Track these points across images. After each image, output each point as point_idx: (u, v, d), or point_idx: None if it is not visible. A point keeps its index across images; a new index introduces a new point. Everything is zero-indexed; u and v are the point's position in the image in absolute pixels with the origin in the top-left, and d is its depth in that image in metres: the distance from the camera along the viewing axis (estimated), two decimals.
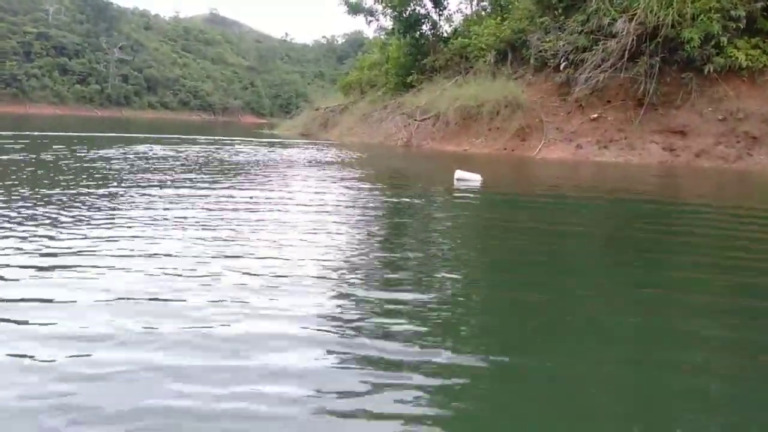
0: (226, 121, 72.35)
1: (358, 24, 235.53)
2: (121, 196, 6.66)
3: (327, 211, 6.45)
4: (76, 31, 75.64)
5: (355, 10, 28.39)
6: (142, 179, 8.19)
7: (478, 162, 14.30)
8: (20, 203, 5.79)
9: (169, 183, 7.96)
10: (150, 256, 3.98)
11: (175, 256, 4.04)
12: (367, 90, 29.56)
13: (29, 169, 8.93)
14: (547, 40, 18.69)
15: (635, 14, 16.34)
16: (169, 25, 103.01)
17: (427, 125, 20.71)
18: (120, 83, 76.52)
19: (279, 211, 6.21)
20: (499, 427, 2.13)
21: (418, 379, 2.35)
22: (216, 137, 23.50)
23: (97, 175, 8.43)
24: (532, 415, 2.20)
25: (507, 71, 20.24)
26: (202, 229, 4.98)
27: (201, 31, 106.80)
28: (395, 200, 8.13)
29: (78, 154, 11.88)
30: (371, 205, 7.64)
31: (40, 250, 4.02)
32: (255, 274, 3.64)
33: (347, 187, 9.02)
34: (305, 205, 6.73)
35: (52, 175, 8.34)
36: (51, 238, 4.38)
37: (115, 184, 7.64)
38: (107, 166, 9.75)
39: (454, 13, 26.98)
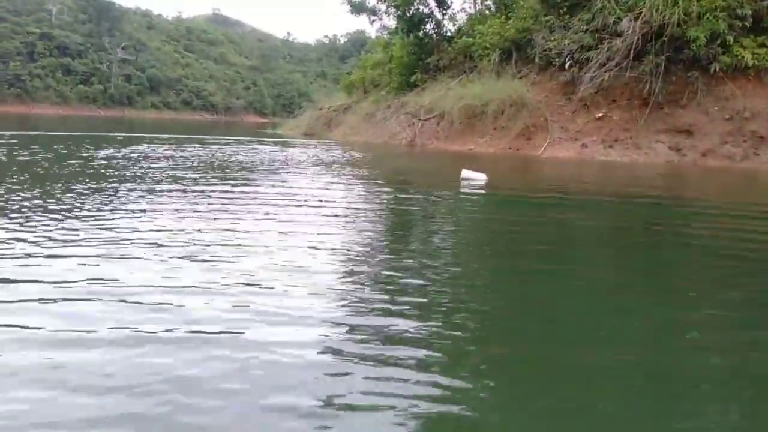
0: (228, 121, 72.37)
1: (361, 23, 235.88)
2: (125, 194, 6.67)
3: (335, 210, 6.44)
4: (79, 31, 75.73)
5: (358, 9, 28.34)
6: (146, 178, 8.19)
7: (483, 161, 14.25)
8: (69, 198, 5.82)
9: (169, 182, 7.96)
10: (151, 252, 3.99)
11: (184, 249, 4.06)
12: (371, 89, 29.51)
13: (74, 168, 8.95)
14: (552, 39, 18.63)
15: (641, 13, 16.29)
16: (172, 25, 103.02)
17: (431, 125, 20.67)
18: (123, 83, 76.60)
19: (285, 209, 6.21)
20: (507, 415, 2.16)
21: (421, 366, 2.37)
22: (220, 137, 23.51)
23: (122, 174, 8.44)
24: (536, 406, 2.25)
25: (511, 70, 20.18)
26: (209, 225, 5.00)
27: (203, 31, 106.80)
28: (402, 199, 8.11)
29: (89, 153, 11.89)
30: (378, 203, 7.64)
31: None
32: (258, 273, 3.63)
33: (354, 186, 9.02)
34: (312, 204, 6.72)
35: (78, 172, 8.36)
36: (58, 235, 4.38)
37: (128, 183, 7.65)
38: (133, 164, 9.77)
39: (458, 12, 26.97)
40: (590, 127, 17.34)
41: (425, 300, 3.34)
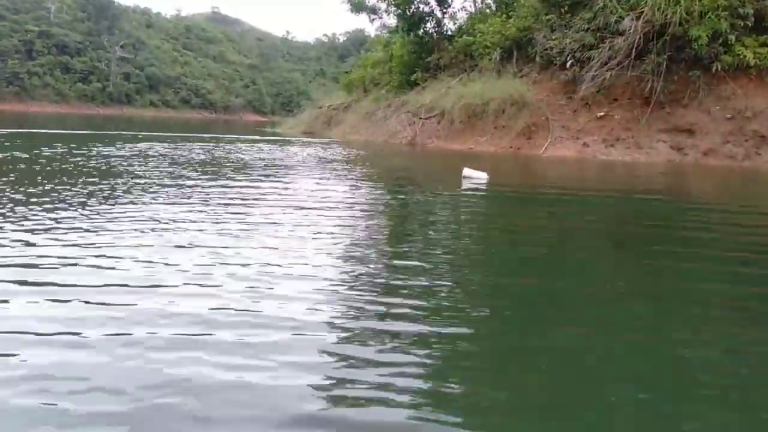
0: (227, 120, 72.24)
1: (360, 22, 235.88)
2: (130, 193, 6.61)
3: (336, 208, 6.41)
4: (78, 29, 75.45)
5: (358, 8, 28.25)
6: (146, 177, 8.13)
7: (484, 160, 14.22)
8: (73, 195, 5.76)
9: (170, 180, 7.90)
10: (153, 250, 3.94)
11: (184, 248, 4.03)
12: (371, 88, 29.44)
13: (87, 167, 8.89)
14: (553, 38, 18.59)
15: (642, 12, 16.25)
16: (171, 24, 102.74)
17: (431, 123, 20.62)
18: (122, 81, 76.34)
19: (288, 207, 6.18)
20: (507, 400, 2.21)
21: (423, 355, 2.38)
22: (220, 135, 23.47)
23: (125, 171, 8.39)
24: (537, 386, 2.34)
25: (512, 69, 20.13)
26: (213, 223, 4.99)
27: (202, 29, 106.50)
28: (404, 197, 8.11)
29: (97, 151, 11.82)
30: (379, 202, 7.62)
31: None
32: (259, 273, 3.59)
33: (355, 185, 8.98)
34: (313, 202, 6.69)
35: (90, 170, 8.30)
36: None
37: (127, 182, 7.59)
38: (132, 162, 9.71)
39: (458, 11, 26.89)
40: (591, 127, 17.31)
41: (428, 300, 3.31)
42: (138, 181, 7.73)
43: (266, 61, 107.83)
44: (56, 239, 4.26)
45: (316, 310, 3.05)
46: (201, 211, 5.70)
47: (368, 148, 18.81)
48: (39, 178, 7.62)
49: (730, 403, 2.32)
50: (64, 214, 5.20)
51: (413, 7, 25.10)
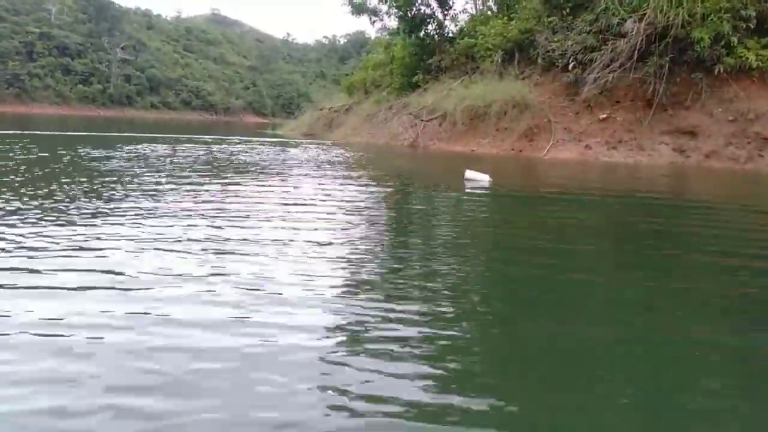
0: (228, 121, 72.34)
1: (360, 24, 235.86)
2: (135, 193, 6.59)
3: (339, 210, 6.39)
4: (79, 31, 75.55)
5: (359, 10, 28.26)
6: (149, 178, 8.11)
7: (486, 162, 14.19)
8: (84, 195, 5.74)
9: (174, 181, 7.88)
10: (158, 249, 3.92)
11: (186, 249, 4.02)
12: (372, 90, 29.44)
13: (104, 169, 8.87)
14: (555, 39, 18.57)
15: (645, 14, 16.22)
16: (171, 25, 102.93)
17: (433, 125, 20.61)
18: (122, 83, 76.43)
19: (291, 208, 6.21)
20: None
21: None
22: (221, 137, 23.45)
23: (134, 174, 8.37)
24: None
25: (514, 71, 20.12)
26: (211, 225, 4.98)
27: (203, 31, 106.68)
28: (407, 199, 8.12)
29: (100, 153, 11.81)
30: (382, 203, 7.61)
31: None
32: (259, 276, 3.58)
33: (358, 187, 8.96)
34: (316, 205, 6.68)
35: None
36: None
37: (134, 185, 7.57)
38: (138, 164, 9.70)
39: (460, 13, 26.89)
40: (594, 129, 17.28)
41: (431, 301, 3.31)
42: (144, 181, 7.73)
43: (266, 63, 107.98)
44: (71, 238, 4.26)
45: (318, 313, 3.02)
46: (203, 212, 5.68)
47: (370, 150, 18.79)
48: (53, 178, 7.60)
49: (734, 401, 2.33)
50: (76, 214, 5.19)
51: (414, 9, 25.11)
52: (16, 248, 4.01)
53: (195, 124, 50.40)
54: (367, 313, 3.05)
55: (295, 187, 8.45)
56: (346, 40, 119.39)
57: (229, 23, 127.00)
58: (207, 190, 7.37)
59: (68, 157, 11.24)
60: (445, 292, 3.53)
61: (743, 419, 2.21)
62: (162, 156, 12.40)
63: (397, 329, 2.84)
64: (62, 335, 2.60)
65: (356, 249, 4.64)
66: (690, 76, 16.32)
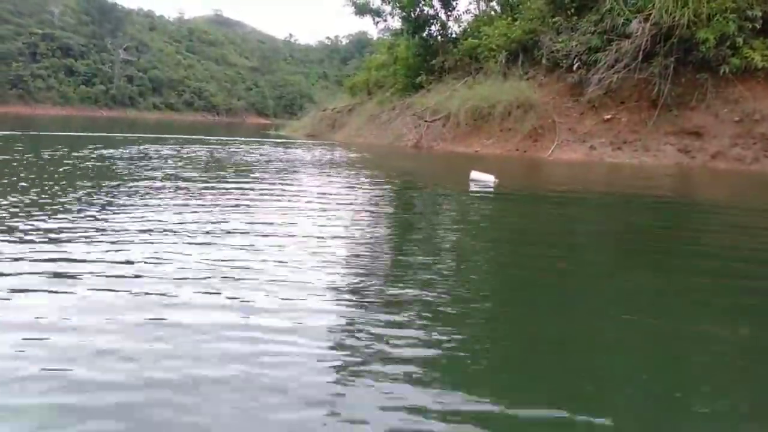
0: (230, 122, 72.41)
1: (362, 25, 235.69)
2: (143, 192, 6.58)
3: (346, 210, 6.37)
4: (82, 32, 75.65)
5: (362, 11, 28.24)
6: (156, 178, 8.10)
7: (490, 163, 14.17)
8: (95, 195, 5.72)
9: (179, 181, 7.87)
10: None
11: (189, 248, 4.00)
12: (375, 91, 29.40)
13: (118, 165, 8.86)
14: (560, 40, 18.53)
15: (650, 14, 16.16)
16: (174, 26, 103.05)
17: (437, 126, 20.56)
18: (125, 84, 76.50)
19: (294, 208, 6.21)
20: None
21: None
22: (224, 138, 23.45)
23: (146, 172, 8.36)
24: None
25: (518, 72, 20.08)
26: (213, 224, 5.01)
27: (205, 32, 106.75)
28: (414, 199, 8.11)
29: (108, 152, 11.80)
30: (389, 203, 7.60)
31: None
32: (262, 276, 3.58)
33: (363, 188, 8.94)
34: (323, 203, 6.69)
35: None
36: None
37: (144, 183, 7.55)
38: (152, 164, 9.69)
39: (463, 13, 26.85)
40: (598, 129, 17.23)
41: (436, 298, 3.32)
42: (150, 181, 7.72)
43: (269, 64, 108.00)
44: (84, 236, 4.23)
45: (320, 315, 3.00)
46: (209, 211, 5.70)
47: (373, 151, 18.78)
48: (62, 177, 7.59)
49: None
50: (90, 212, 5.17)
51: (418, 9, 25.07)
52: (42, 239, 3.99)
53: (197, 125, 50.42)
54: (371, 314, 3.04)
55: (300, 187, 8.44)
56: (348, 41, 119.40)
57: (232, 24, 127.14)
58: (212, 190, 7.37)
59: (92, 154, 11.25)
60: (450, 289, 3.54)
61: (744, 414, 2.23)
62: (167, 156, 12.39)
63: (401, 329, 2.83)
64: (61, 337, 2.58)
65: (363, 249, 4.62)
66: (695, 76, 16.26)
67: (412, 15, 25.12)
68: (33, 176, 7.89)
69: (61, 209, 5.52)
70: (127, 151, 13.37)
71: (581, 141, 17.19)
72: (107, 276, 3.47)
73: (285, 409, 2.06)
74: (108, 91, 73.96)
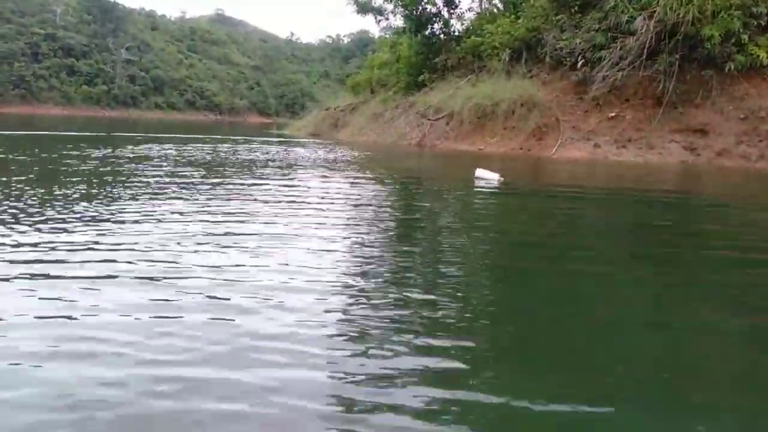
0: (232, 121, 72.45)
1: (364, 23, 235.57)
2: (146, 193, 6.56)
3: (353, 210, 6.36)
4: (83, 32, 75.71)
5: (364, 9, 28.17)
6: (162, 177, 8.08)
7: (494, 161, 14.13)
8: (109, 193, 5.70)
9: (182, 180, 7.85)
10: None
11: (191, 249, 4.01)
12: (378, 89, 29.33)
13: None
14: (564, 38, 18.45)
15: (654, 11, 16.10)
16: (175, 26, 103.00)
17: (440, 125, 20.51)
18: (127, 84, 76.54)
19: (298, 208, 6.21)
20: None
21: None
22: (227, 137, 23.46)
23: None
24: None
25: (522, 70, 20.00)
26: (216, 224, 4.99)
27: (207, 31, 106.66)
28: (421, 197, 8.10)
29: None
30: (394, 202, 7.59)
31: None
32: (265, 275, 3.56)
33: (368, 186, 8.93)
34: (328, 202, 6.68)
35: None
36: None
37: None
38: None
39: (466, 11, 26.78)
40: (603, 127, 17.17)
41: (442, 295, 3.34)
42: (156, 180, 7.70)
43: (270, 63, 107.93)
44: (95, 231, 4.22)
45: (321, 316, 2.97)
46: (212, 211, 5.69)
47: (377, 150, 18.75)
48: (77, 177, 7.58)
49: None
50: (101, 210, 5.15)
51: (420, 7, 25.00)
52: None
53: (200, 124, 50.48)
54: (376, 314, 3.01)
55: (304, 186, 8.43)
56: (349, 40, 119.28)
57: (234, 23, 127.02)
58: (214, 189, 7.36)
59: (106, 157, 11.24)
60: (457, 287, 3.57)
61: (745, 408, 2.23)
62: (174, 156, 12.38)
63: (405, 330, 2.80)
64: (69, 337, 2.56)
65: (369, 246, 4.61)
66: (700, 73, 16.19)
67: (415, 13, 25.02)
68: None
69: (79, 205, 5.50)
70: (137, 150, 13.37)
71: (585, 139, 17.13)
72: (108, 271, 3.49)
73: (285, 407, 2.04)
74: (110, 91, 74.04)
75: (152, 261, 3.79)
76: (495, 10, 25.33)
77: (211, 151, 14.43)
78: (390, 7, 26.56)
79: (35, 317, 2.78)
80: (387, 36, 31.26)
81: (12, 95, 63.49)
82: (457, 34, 25.50)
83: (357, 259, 4.22)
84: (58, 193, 6.50)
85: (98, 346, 2.47)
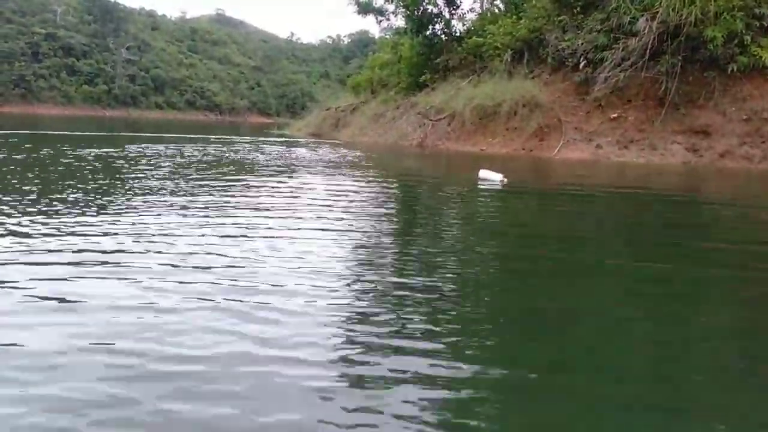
0: (232, 121, 72.48)
1: (364, 24, 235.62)
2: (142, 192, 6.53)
3: (359, 209, 6.33)
4: (84, 31, 75.74)
5: (365, 9, 28.15)
6: (162, 176, 8.05)
7: (496, 162, 14.09)
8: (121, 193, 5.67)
9: (185, 179, 7.82)
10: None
11: (193, 247, 3.97)
12: (379, 90, 29.32)
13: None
14: (566, 38, 18.43)
15: (657, 12, 16.06)
16: (176, 26, 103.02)
17: (442, 125, 20.48)
18: (127, 83, 76.54)
19: (301, 207, 6.23)
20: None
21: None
22: (228, 136, 23.43)
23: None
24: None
25: (523, 70, 19.97)
26: (217, 223, 4.99)
27: (207, 31, 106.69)
28: (425, 197, 8.08)
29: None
30: (399, 202, 7.55)
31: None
32: (265, 272, 3.55)
33: (371, 186, 8.91)
34: (333, 201, 6.66)
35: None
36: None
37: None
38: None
39: (467, 12, 26.76)
40: (605, 128, 17.14)
41: (447, 292, 3.35)
42: (162, 177, 7.67)
43: (271, 63, 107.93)
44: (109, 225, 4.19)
45: (323, 316, 2.95)
46: (214, 210, 5.68)
47: (378, 150, 18.73)
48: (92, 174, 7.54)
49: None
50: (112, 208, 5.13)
51: (421, 8, 24.97)
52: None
53: (200, 124, 50.43)
54: (379, 313, 3.00)
55: (307, 185, 8.43)
56: (350, 40, 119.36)
57: (234, 23, 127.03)
58: (218, 187, 7.33)
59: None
60: (466, 284, 3.60)
61: (746, 400, 2.26)
62: (177, 155, 12.34)
63: (406, 330, 2.78)
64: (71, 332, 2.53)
65: (375, 244, 4.58)
66: (703, 74, 16.17)
67: (416, 13, 25.00)
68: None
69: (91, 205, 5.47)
70: (137, 149, 13.33)
71: (588, 140, 17.10)
72: (113, 267, 3.50)
73: (288, 405, 2.03)
74: (110, 91, 74.05)
75: (151, 260, 3.76)
76: (496, 11, 25.33)
77: (212, 151, 14.40)
78: (391, 7, 26.58)
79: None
80: (387, 36, 31.27)
81: (12, 95, 63.49)
82: (458, 34, 25.48)
83: (363, 257, 4.20)
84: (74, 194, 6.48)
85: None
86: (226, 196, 6.85)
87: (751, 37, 15.58)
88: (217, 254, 3.96)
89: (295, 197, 7.07)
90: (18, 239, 4.19)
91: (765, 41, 15.79)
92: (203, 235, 4.55)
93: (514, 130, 18.29)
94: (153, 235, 4.48)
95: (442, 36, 25.47)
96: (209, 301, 3.04)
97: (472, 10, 27.11)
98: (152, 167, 9.66)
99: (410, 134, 21.49)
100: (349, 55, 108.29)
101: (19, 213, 5.15)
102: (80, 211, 5.35)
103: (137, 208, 5.67)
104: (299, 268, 3.70)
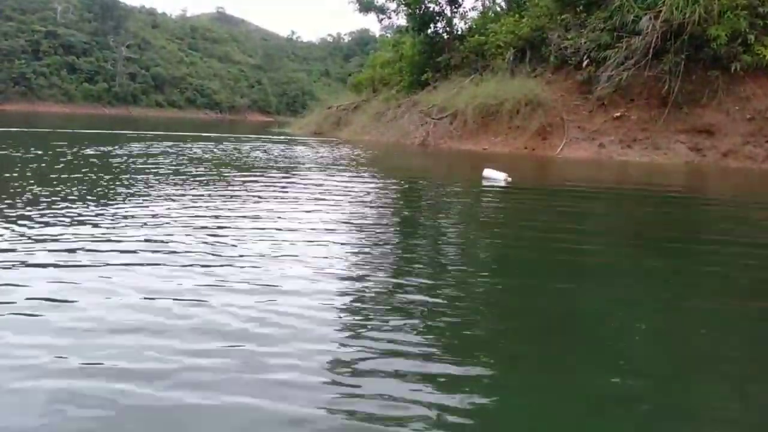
0: (233, 120, 72.41)
1: (365, 22, 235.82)
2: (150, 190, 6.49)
3: (363, 209, 6.30)
4: (84, 29, 75.64)
5: (366, 7, 28.17)
6: (164, 174, 8.02)
7: (499, 161, 14.04)
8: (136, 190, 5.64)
9: (187, 179, 7.79)
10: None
11: (194, 248, 3.91)
12: (380, 88, 29.26)
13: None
14: (568, 37, 18.37)
15: (660, 11, 16.02)
16: (176, 24, 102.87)
17: (444, 124, 20.43)
18: (127, 81, 76.46)
19: (303, 206, 6.18)
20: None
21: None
22: (230, 135, 23.40)
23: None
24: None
25: (526, 69, 19.92)
26: (218, 223, 4.94)
27: (208, 29, 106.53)
28: (430, 196, 8.06)
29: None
30: (403, 202, 7.53)
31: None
32: (266, 276, 3.49)
33: (373, 186, 8.88)
34: (336, 203, 6.61)
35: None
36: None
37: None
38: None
39: (469, 10, 26.71)
40: (608, 127, 17.10)
41: (451, 290, 3.34)
42: (162, 175, 7.64)
43: (271, 61, 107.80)
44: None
45: (324, 316, 2.91)
46: (215, 209, 5.65)
47: (380, 149, 18.68)
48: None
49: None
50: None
51: (423, 6, 24.93)
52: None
53: (201, 122, 50.38)
54: (380, 312, 2.97)
55: (309, 184, 8.38)
56: (350, 39, 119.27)
57: (235, 22, 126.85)
58: (217, 187, 7.31)
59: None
60: (462, 280, 3.58)
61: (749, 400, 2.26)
62: (179, 153, 12.30)
63: (409, 329, 2.75)
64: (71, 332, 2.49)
65: (383, 247, 4.55)
66: (706, 73, 16.11)
67: (418, 12, 24.96)
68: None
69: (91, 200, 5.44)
70: (137, 148, 13.30)
71: (590, 139, 17.06)
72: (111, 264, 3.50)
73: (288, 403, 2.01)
74: (111, 89, 73.99)
75: (150, 259, 3.73)
76: (499, 9, 25.30)
77: (214, 150, 14.36)
78: (392, 5, 26.61)
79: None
80: (388, 35, 31.26)
81: (13, 92, 63.43)
82: (460, 32, 25.44)
83: (365, 256, 4.17)
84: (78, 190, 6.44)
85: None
86: (227, 195, 6.82)
87: (754, 36, 15.54)
88: (217, 254, 3.92)
89: (297, 196, 7.04)
90: (17, 235, 4.17)
91: None
92: (203, 235, 4.50)
93: (517, 129, 18.24)
94: (151, 234, 4.44)
95: (444, 34, 25.42)
96: (209, 301, 3.00)
97: (474, 8, 27.09)
98: (152, 165, 9.61)
99: (412, 133, 21.44)
100: (349, 54, 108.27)
101: (17, 214, 5.10)
102: (79, 211, 5.30)
103: (136, 207, 5.63)
104: (299, 267, 3.67)
